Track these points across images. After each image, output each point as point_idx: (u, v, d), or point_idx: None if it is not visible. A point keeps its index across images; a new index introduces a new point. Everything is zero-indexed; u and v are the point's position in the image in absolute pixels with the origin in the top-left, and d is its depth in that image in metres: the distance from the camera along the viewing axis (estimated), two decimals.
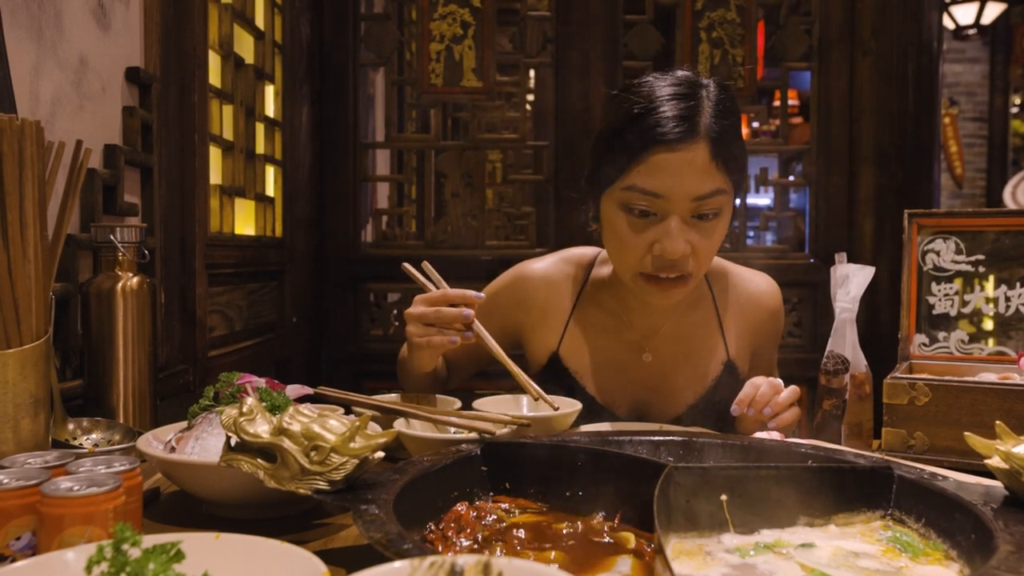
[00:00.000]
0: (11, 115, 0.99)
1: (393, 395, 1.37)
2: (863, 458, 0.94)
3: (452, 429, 1.15)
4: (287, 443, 0.78)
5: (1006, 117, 8.25)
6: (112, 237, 1.30)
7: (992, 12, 6.89)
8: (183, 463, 0.93)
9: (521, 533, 0.81)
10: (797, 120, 7.31)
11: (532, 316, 1.50)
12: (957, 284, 1.36)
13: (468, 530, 0.81)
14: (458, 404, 1.29)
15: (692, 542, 0.81)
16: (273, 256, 2.56)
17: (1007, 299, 1.33)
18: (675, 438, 1.02)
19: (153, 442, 1.03)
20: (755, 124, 6.77)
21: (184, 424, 1.07)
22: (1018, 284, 1.33)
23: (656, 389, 1.47)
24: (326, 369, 2.92)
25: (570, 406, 1.27)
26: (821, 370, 1.26)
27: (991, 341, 1.35)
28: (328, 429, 0.79)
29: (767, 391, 1.21)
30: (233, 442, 0.80)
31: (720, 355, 1.47)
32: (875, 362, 1.28)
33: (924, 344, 1.37)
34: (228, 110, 2.27)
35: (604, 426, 1.30)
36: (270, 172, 2.61)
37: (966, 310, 1.35)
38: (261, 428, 0.79)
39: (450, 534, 0.80)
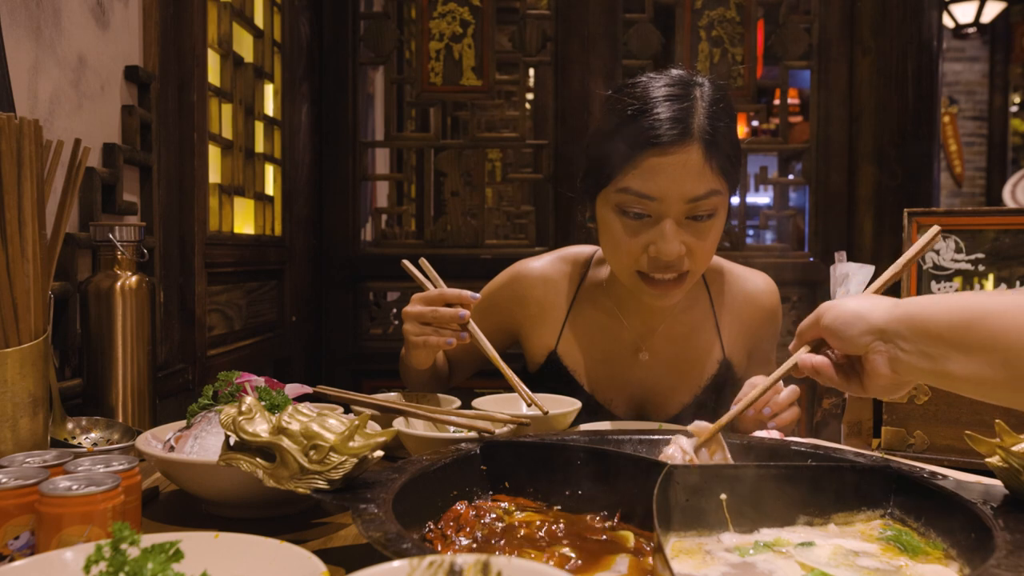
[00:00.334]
0: (10, 114, 0.99)
1: (392, 394, 1.37)
2: (863, 457, 0.94)
3: (451, 428, 1.15)
4: (286, 442, 0.77)
5: (1006, 116, 8.25)
6: (111, 236, 1.30)
7: (992, 11, 6.90)
8: (182, 462, 0.93)
9: (520, 532, 0.81)
10: (797, 119, 7.30)
11: (530, 315, 1.50)
12: (957, 283, 1.36)
13: (467, 529, 0.81)
14: (457, 403, 1.29)
15: (691, 541, 0.81)
16: (272, 255, 2.56)
17: None
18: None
19: (152, 441, 1.03)
20: (755, 123, 6.78)
21: (183, 423, 1.07)
22: (1018, 283, 1.33)
23: (653, 388, 1.47)
24: (325, 368, 2.92)
25: (569, 405, 1.27)
26: None
27: None
28: (327, 428, 0.78)
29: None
30: (232, 441, 0.80)
31: (716, 354, 1.47)
32: None
33: None
34: (227, 109, 2.26)
35: (603, 425, 1.30)
36: (269, 171, 2.61)
37: None
38: (260, 427, 0.79)
39: (449, 533, 0.80)
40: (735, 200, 1.24)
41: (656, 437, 1.02)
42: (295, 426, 0.78)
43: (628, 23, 2.88)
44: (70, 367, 1.41)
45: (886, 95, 2.80)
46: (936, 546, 0.79)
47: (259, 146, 2.49)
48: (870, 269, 1.26)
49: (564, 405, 1.27)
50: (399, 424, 1.14)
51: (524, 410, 1.26)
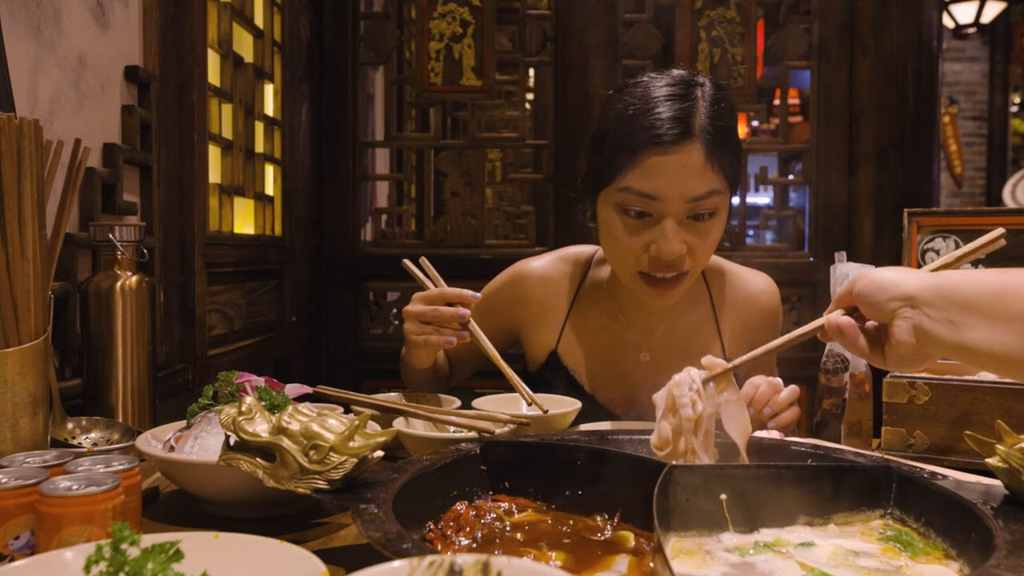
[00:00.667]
0: (10, 114, 0.99)
1: (392, 394, 1.37)
2: (863, 457, 0.94)
3: (451, 428, 1.15)
4: (286, 442, 0.77)
5: (1006, 116, 8.26)
6: (111, 236, 1.30)
7: (992, 11, 6.89)
8: (182, 462, 0.93)
9: (520, 532, 0.81)
10: (797, 119, 7.30)
11: (530, 315, 1.51)
12: None
13: (467, 529, 0.81)
14: (458, 403, 1.29)
15: (691, 541, 0.81)
16: (272, 255, 2.56)
17: None
18: None
19: (152, 441, 1.03)
20: (755, 123, 6.78)
21: (183, 423, 1.07)
22: None
23: (654, 388, 1.47)
24: (325, 368, 2.92)
25: (569, 405, 1.27)
26: (821, 369, 1.26)
27: None
28: (327, 428, 0.78)
29: (767, 390, 1.21)
30: (232, 441, 0.80)
31: (717, 354, 1.47)
32: None
33: None
34: (227, 109, 2.26)
35: (604, 425, 1.30)
36: (269, 171, 2.61)
37: None
38: (260, 427, 0.79)
39: (449, 533, 0.80)
40: (735, 200, 1.24)
41: None
42: (295, 426, 0.78)
43: (628, 23, 2.89)
44: (70, 367, 1.41)
45: (886, 95, 2.80)
46: (936, 546, 0.79)
47: (259, 146, 2.49)
48: (870, 269, 1.25)
49: (564, 405, 1.27)
50: (399, 424, 1.14)
51: (524, 410, 1.26)
